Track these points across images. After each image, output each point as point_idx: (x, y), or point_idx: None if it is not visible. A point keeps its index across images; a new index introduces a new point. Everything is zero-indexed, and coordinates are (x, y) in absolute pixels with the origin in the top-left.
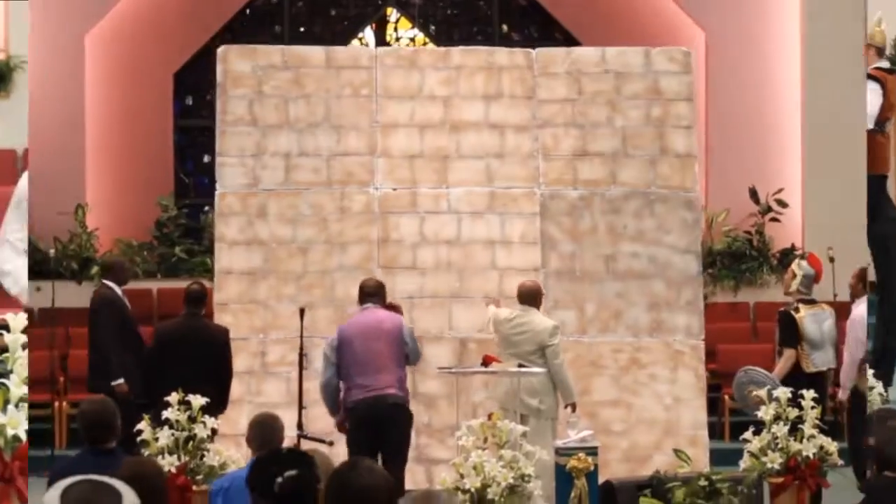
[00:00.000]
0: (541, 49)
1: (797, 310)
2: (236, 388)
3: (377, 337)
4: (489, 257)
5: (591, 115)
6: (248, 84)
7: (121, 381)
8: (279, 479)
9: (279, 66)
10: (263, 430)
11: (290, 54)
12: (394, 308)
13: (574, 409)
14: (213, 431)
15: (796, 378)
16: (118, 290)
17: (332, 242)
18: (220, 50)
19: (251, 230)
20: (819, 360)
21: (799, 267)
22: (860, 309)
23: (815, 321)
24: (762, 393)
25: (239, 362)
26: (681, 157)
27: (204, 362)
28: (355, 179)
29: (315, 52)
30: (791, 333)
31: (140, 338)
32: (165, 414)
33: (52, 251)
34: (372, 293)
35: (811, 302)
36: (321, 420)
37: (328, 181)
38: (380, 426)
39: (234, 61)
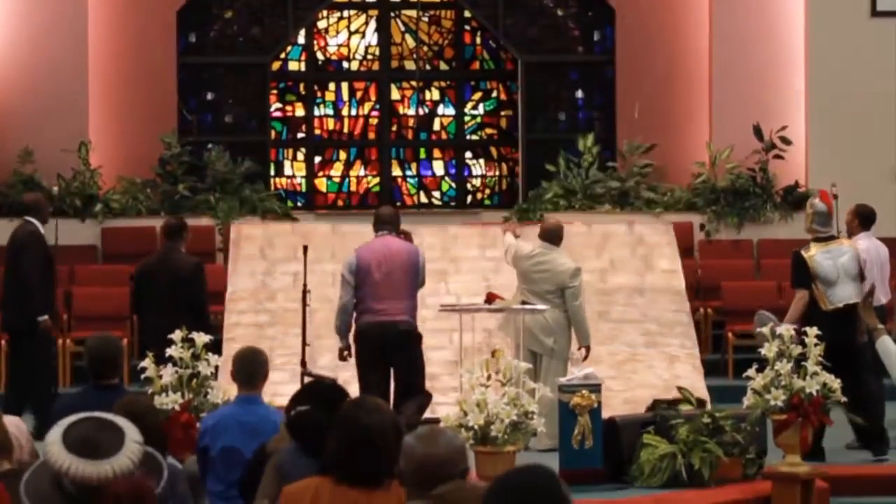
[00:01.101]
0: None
1: (808, 249)
2: None
3: (394, 265)
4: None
5: (579, 253)
6: (259, 238)
7: (45, 317)
8: (292, 412)
9: (288, 233)
10: (247, 365)
11: (297, 227)
12: (406, 236)
13: (588, 352)
14: (216, 369)
15: (816, 317)
16: (41, 227)
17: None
18: (233, 226)
19: (260, 306)
20: (836, 297)
21: (811, 205)
22: (857, 245)
23: (828, 258)
24: (766, 330)
25: None
26: (667, 272)
27: (176, 292)
28: None
29: (321, 226)
30: (801, 274)
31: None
32: (169, 351)
33: (55, 189)
34: (387, 220)
35: (828, 239)
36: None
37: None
38: (389, 351)
39: (245, 229)
